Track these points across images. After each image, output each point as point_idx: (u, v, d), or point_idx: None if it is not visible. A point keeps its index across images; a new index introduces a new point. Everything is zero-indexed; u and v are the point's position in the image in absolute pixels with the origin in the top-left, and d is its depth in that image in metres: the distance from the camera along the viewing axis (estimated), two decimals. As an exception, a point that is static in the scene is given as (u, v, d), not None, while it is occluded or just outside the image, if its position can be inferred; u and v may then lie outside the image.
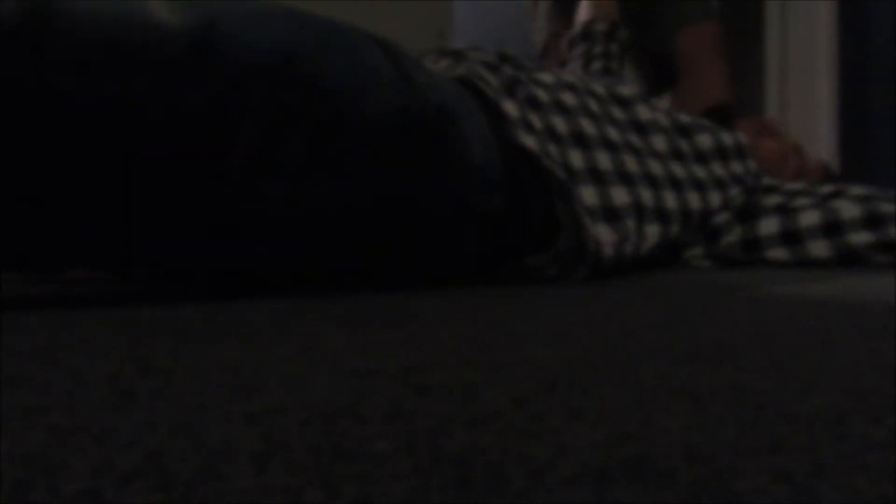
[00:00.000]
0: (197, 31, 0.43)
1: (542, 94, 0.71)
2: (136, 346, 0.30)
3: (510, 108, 0.65)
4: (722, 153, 0.83)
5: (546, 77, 0.75)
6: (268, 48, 0.46)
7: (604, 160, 0.70)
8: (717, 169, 0.82)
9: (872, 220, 0.74)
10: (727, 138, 0.85)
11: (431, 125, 0.54)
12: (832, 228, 0.76)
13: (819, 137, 3.19)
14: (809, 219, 0.77)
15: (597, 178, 0.68)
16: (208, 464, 0.15)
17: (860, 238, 0.75)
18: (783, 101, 3.37)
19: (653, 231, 0.71)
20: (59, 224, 0.43)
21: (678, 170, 0.77)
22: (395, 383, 0.23)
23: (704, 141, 0.82)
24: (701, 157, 0.81)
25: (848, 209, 0.76)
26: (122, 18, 0.41)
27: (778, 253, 0.80)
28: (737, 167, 0.84)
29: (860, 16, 3.01)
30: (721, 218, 0.81)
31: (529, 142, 0.63)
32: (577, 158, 0.68)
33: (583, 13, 1.21)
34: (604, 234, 0.65)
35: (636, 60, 1.44)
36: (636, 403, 0.20)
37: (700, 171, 0.79)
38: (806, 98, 3.23)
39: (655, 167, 0.74)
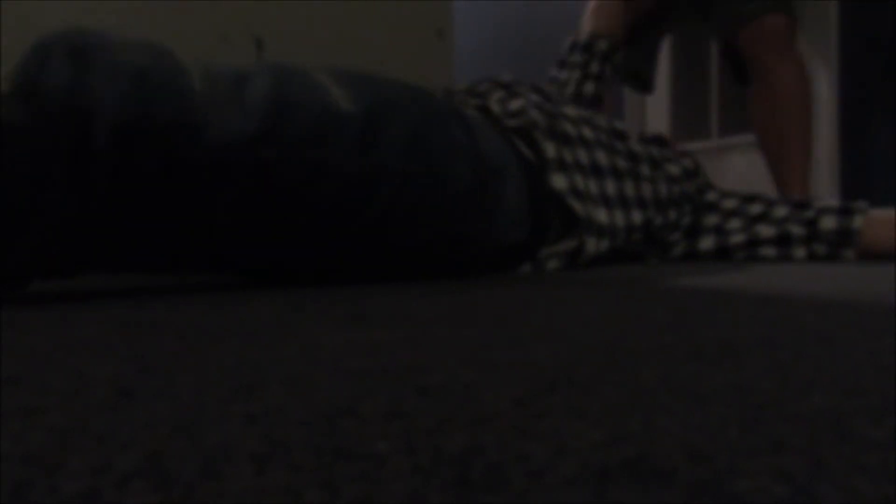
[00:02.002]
0: (359, 116, 0.57)
1: (570, 129, 0.88)
2: (136, 346, 0.30)
3: (550, 149, 0.83)
4: (686, 175, 1.04)
5: (571, 112, 0.92)
6: (402, 132, 0.61)
7: (611, 187, 0.89)
8: (680, 189, 1.01)
9: (782, 239, 0.95)
10: (687, 163, 1.06)
11: (486, 185, 0.69)
12: (751, 244, 0.97)
13: (819, 137, 3.19)
14: (736, 238, 0.97)
15: (605, 202, 0.87)
16: (208, 464, 0.15)
17: (769, 252, 0.96)
18: (783, 101, 3.37)
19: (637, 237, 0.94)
20: (243, 252, 0.57)
21: (662, 190, 0.96)
22: (395, 383, 0.23)
23: (673, 169, 1.02)
24: (672, 181, 1.00)
25: (766, 231, 0.96)
26: (317, 108, 0.55)
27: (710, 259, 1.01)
28: (690, 186, 1.03)
29: (860, 16, 3.01)
30: (674, 236, 1.00)
31: (559, 183, 0.82)
32: (593, 186, 0.86)
33: (588, 24, 1.24)
34: (599, 245, 0.85)
35: (719, 56, 1.35)
36: (636, 403, 0.20)
37: (673, 190, 0.99)
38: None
39: (646, 190, 0.93)
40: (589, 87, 1.23)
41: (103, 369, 0.25)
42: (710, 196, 1.03)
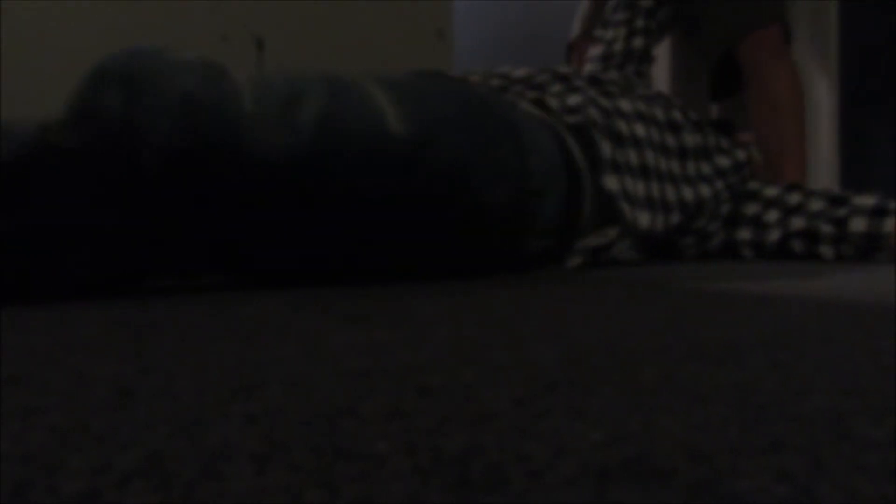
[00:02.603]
0: (408, 140, 0.59)
1: (623, 127, 0.88)
2: (136, 346, 0.30)
3: (606, 149, 0.84)
4: (736, 167, 1.02)
5: (626, 106, 0.92)
6: (449, 157, 0.62)
7: (656, 190, 0.90)
8: (724, 183, 1.01)
9: (811, 235, 0.95)
10: (740, 155, 1.04)
11: (525, 207, 0.70)
12: (784, 238, 0.98)
13: (819, 137, 3.19)
14: (772, 236, 0.98)
15: (650, 205, 0.88)
16: (208, 464, 0.15)
17: (797, 246, 0.96)
18: (783, 101, 3.37)
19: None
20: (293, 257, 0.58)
21: (704, 191, 0.96)
22: (395, 383, 0.23)
23: (723, 161, 1.01)
24: (719, 174, 1.00)
25: (797, 223, 0.96)
26: (367, 132, 0.57)
27: (746, 251, 1.01)
28: (737, 178, 1.03)
29: (860, 16, 3.01)
30: (713, 226, 1.00)
31: (612, 185, 0.83)
32: (640, 189, 0.87)
33: None
34: (630, 246, 0.88)
35: (701, 64, 1.40)
36: (636, 403, 0.20)
37: (716, 187, 0.98)
38: (806, 97, 3.24)
39: (687, 193, 0.94)
40: (638, 42, 1.23)
41: (103, 369, 0.25)
42: (753, 185, 1.03)
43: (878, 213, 0.91)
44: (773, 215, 0.98)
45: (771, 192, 1.01)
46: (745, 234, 0.99)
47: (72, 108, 0.47)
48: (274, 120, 0.52)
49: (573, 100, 0.89)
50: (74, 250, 0.47)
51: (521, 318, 0.39)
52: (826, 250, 0.93)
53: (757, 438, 0.17)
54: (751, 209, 1.00)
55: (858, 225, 0.91)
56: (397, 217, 0.59)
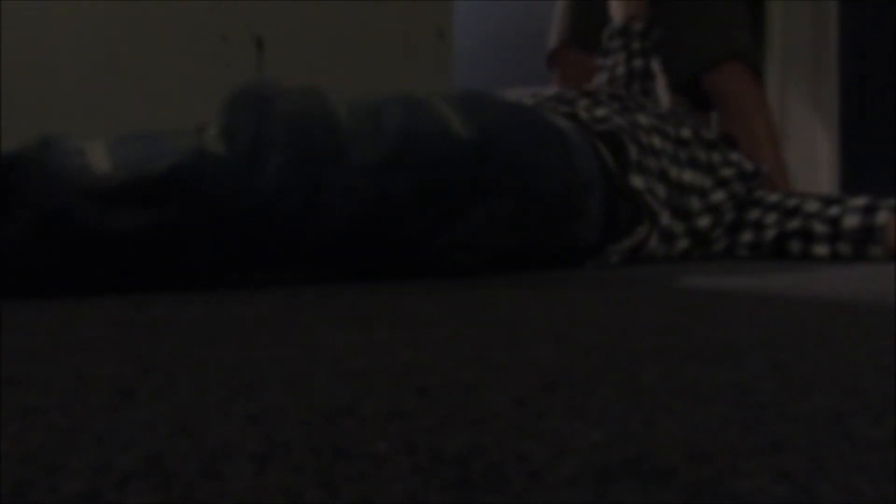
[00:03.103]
0: (471, 141, 0.68)
1: (643, 137, 0.97)
2: (136, 346, 0.30)
3: (633, 152, 0.92)
4: (741, 177, 1.08)
5: (643, 120, 1.01)
6: (509, 154, 0.72)
7: (675, 195, 0.98)
8: (727, 192, 1.07)
9: (805, 235, 0.99)
10: (746, 165, 1.10)
11: (573, 200, 0.79)
12: (779, 238, 1.02)
13: (820, 137, 3.19)
14: (770, 234, 1.02)
15: (669, 207, 0.96)
16: (208, 464, 0.15)
17: (793, 246, 1.00)
18: (783, 101, 3.37)
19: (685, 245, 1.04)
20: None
21: (710, 199, 1.04)
22: (395, 383, 0.23)
23: (727, 172, 1.08)
24: (722, 184, 1.07)
25: (793, 224, 1.00)
26: (439, 136, 0.67)
27: (744, 252, 1.05)
28: (741, 188, 1.08)
29: (860, 16, 3.01)
30: (716, 233, 1.06)
31: (638, 183, 0.91)
32: (661, 190, 0.95)
33: (618, 11, 1.31)
34: (658, 243, 0.95)
35: (669, 86, 1.45)
36: (636, 403, 0.20)
37: (718, 197, 1.06)
38: (806, 98, 3.23)
39: (695, 203, 1.02)
40: (637, 63, 1.30)
41: (103, 369, 0.25)
42: (758, 193, 1.08)
43: (870, 208, 0.94)
44: (771, 217, 1.02)
45: (773, 197, 1.05)
46: (746, 237, 1.04)
47: (219, 126, 0.58)
48: (364, 129, 0.63)
49: (600, 112, 0.98)
50: (222, 245, 0.58)
51: (521, 318, 0.39)
52: (820, 249, 0.96)
53: (757, 438, 0.17)
54: (753, 214, 1.05)
55: (851, 221, 0.94)
56: (467, 208, 0.68)
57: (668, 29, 1.29)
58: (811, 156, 3.19)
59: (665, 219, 0.95)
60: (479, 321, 0.38)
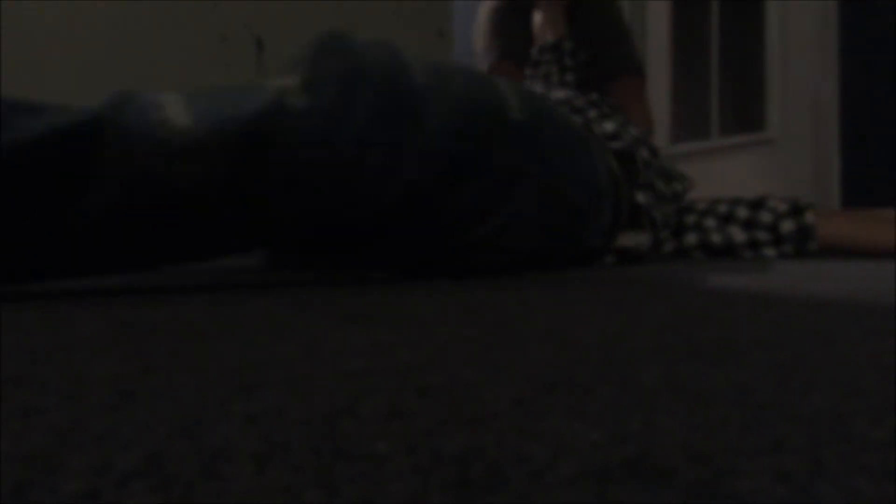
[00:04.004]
0: (522, 125, 0.70)
1: (642, 151, 1.06)
2: (136, 346, 0.30)
3: (641, 173, 1.01)
4: (681, 182, 1.21)
5: (634, 132, 1.10)
6: (553, 142, 0.75)
7: (655, 205, 1.06)
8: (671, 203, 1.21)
9: (753, 244, 1.15)
10: (676, 172, 1.22)
11: (593, 205, 0.84)
12: (729, 247, 1.16)
13: (820, 137, 3.18)
14: (715, 238, 1.16)
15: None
16: (208, 464, 0.15)
17: (746, 254, 1.16)
18: (783, 101, 3.37)
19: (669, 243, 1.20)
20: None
21: (668, 206, 1.15)
22: (395, 383, 0.23)
23: (678, 186, 1.18)
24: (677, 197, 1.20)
25: (739, 236, 1.16)
26: (495, 113, 0.68)
27: (696, 253, 1.18)
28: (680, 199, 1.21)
29: (860, 16, 3.01)
30: (664, 234, 1.16)
31: (642, 199, 1.01)
32: (651, 201, 1.05)
33: (547, 32, 1.49)
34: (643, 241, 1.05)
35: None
36: (636, 403, 0.20)
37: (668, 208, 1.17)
38: (806, 98, 3.23)
39: (668, 209, 1.10)
40: (570, 77, 1.48)
41: (103, 369, 0.25)
42: (686, 201, 1.25)
43: (796, 210, 1.12)
44: (710, 222, 1.18)
45: (701, 204, 1.22)
46: (691, 238, 1.19)
47: (301, 76, 0.57)
48: (436, 91, 0.63)
49: (608, 127, 1.05)
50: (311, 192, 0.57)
51: (521, 318, 0.39)
52: (769, 251, 1.14)
53: (757, 438, 0.17)
54: (690, 219, 1.20)
55: (788, 226, 1.12)
56: (504, 196, 0.69)
57: (583, 48, 1.54)
58: (811, 155, 3.19)
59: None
60: (479, 321, 0.38)
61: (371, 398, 0.21)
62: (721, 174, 3.55)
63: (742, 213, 1.17)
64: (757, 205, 1.16)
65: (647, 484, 0.14)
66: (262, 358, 0.27)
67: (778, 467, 0.15)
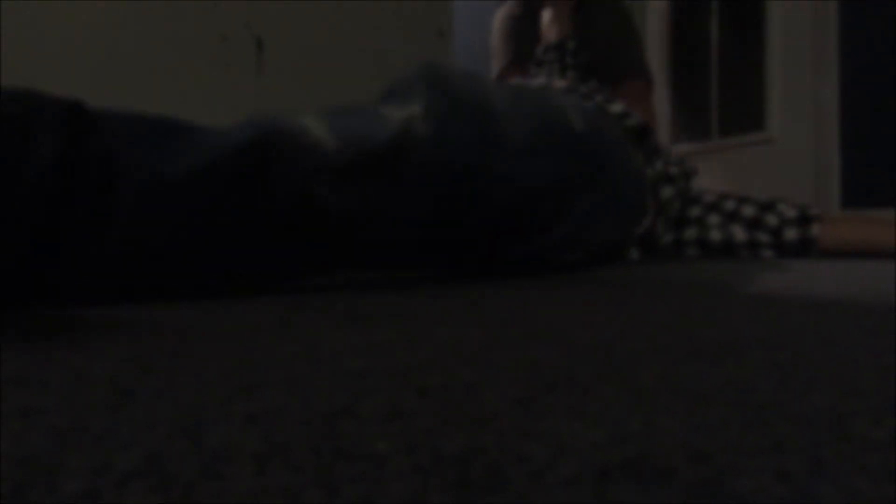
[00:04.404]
0: (584, 135, 0.77)
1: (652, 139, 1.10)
2: (136, 346, 0.30)
3: (659, 163, 1.07)
4: (683, 176, 1.20)
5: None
6: (606, 152, 0.81)
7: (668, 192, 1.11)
8: (675, 189, 1.21)
9: (753, 244, 1.15)
10: (687, 166, 1.25)
11: (642, 198, 0.92)
12: (728, 245, 1.16)
13: (820, 137, 3.19)
14: (715, 235, 1.15)
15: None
16: (208, 464, 0.15)
17: (743, 254, 1.15)
18: (783, 101, 3.37)
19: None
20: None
21: (666, 193, 1.16)
22: (395, 383, 0.23)
23: (673, 170, 1.17)
24: (672, 181, 1.20)
25: (739, 235, 1.15)
26: (564, 128, 0.75)
27: (691, 250, 1.17)
28: (684, 185, 1.22)
29: (860, 16, 3.01)
30: (665, 226, 1.17)
31: (667, 193, 1.07)
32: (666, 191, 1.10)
33: (552, 31, 1.50)
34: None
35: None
36: (636, 403, 0.20)
37: (670, 193, 1.18)
38: (806, 98, 3.23)
39: (666, 191, 1.12)
40: (570, 76, 1.49)
41: (103, 369, 0.25)
42: (694, 192, 1.23)
43: (804, 220, 1.12)
44: (714, 219, 1.17)
45: (709, 197, 1.19)
46: (690, 233, 1.17)
47: (423, 108, 0.63)
48: (511, 115, 0.69)
49: (617, 107, 1.07)
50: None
51: (521, 318, 0.39)
52: (766, 253, 1.14)
53: (757, 438, 0.17)
54: (694, 212, 1.18)
55: (791, 234, 1.12)
56: (575, 201, 0.74)
57: (589, 49, 1.55)
58: (811, 155, 3.20)
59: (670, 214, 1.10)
60: (479, 321, 0.38)
61: (371, 398, 0.21)
62: (721, 174, 3.55)
63: (748, 211, 1.16)
64: (766, 206, 1.15)
65: (647, 484, 0.14)
66: (262, 358, 0.27)
67: (778, 467, 0.15)
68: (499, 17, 1.62)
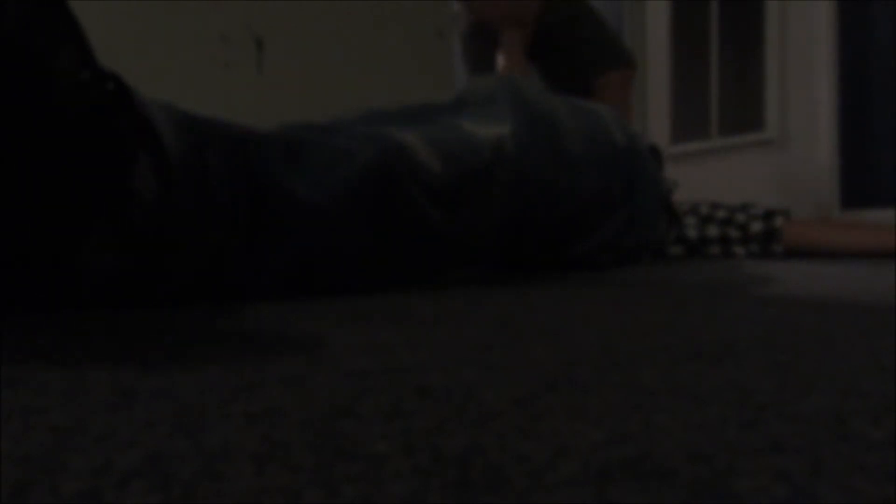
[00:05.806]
0: (626, 149, 0.84)
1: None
2: (136, 346, 0.30)
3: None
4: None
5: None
6: (641, 164, 0.88)
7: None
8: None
9: (724, 240, 1.22)
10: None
11: (662, 206, 0.98)
12: (702, 241, 1.23)
13: (820, 136, 3.19)
14: (691, 234, 1.23)
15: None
16: (208, 464, 0.15)
17: (715, 250, 1.22)
18: (783, 101, 3.37)
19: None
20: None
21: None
22: (395, 383, 0.23)
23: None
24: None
25: (712, 231, 1.23)
26: (608, 142, 0.82)
27: (674, 249, 1.24)
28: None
29: (860, 16, 3.01)
30: (670, 234, 1.27)
31: (680, 205, 1.14)
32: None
33: (514, 69, 1.52)
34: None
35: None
36: (636, 403, 0.20)
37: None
38: (806, 98, 3.23)
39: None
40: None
41: (103, 369, 0.25)
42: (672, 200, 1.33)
43: (769, 215, 1.20)
44: (690, 220, 1.26)
45: (684, 206, 1.30)
46: (671, 233, 1.26)
47: (511, 129, 0.69)
48: (572, 129, 0.76)
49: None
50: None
51: (521, 318, 0.39)
52: (738, 249, 1.21)
53: (757, 438, 0.17)
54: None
55: (756, 227, 1.21)
56: (615, 210, 0.81)
57: (563, 53, 1.58)
58: (811, 155, 3.20)
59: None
60: (479, 321, 0.38)
61: (371, 398, 0.21)
62: (721, 174, 3.55)
63: (720, 213, 1.26)
64: (737, 208, 1.26)
65: (647, 484, 0.14)
66: (262, 358, 0.27)
67: (778, 467, 0.15)
68: (459, 35, 1.64)
